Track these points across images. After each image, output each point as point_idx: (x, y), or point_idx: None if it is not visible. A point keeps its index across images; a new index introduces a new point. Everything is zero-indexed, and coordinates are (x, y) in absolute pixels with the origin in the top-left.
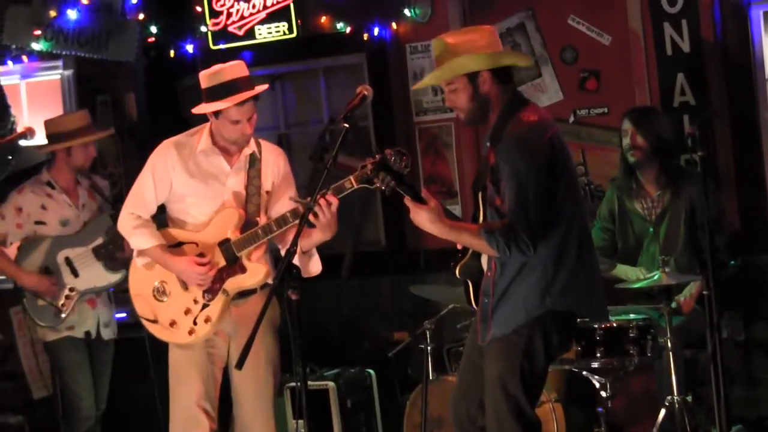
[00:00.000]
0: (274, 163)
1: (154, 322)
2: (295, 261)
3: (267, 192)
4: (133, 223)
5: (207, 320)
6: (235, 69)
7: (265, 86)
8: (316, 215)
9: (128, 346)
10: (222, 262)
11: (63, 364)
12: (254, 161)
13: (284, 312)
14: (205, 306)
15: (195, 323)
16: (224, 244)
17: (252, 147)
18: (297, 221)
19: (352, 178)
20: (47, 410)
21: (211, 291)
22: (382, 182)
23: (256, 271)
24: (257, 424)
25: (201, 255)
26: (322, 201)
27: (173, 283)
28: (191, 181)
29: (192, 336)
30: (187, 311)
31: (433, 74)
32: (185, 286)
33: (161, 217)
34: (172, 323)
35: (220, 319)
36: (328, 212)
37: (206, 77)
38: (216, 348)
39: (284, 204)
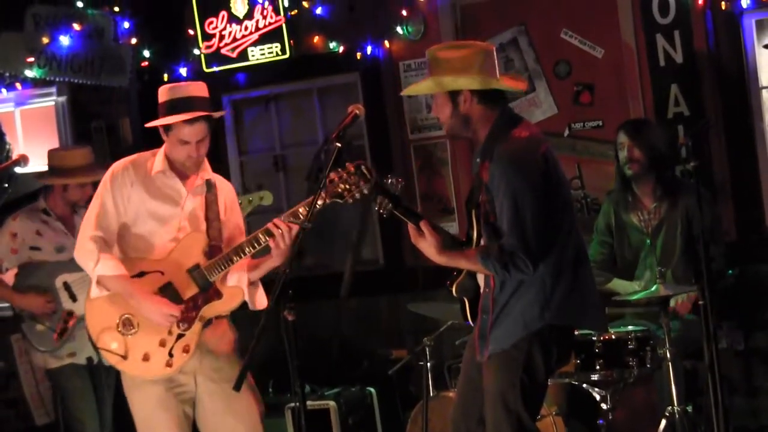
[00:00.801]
0: (227, 192)
1: (124, 358)
2: (246, 298)
3: (224, 217)
4: (98, 246)
5: (186, 350)
6: (193, 87)
7: (223, 112)
8: (276, 243)
9: None
10: (194, 290)
11: (66, 392)
12: (210, 186)
13: (282, 332)
14: (180, 336)
15: (171, 355)
16: (195, 271)
17: (209, 173)
18: (268, 239)
19: (323, 193)
20: None
21: (187, 320)
22: (380, 205)
23: (233, 296)
24: None
25: (169, 284)
26: (283, 226)
27: (141, 314)
28: (151, 202)
29: (170, 368)
30: (162, 343)
31: (416, 86)
32: None
33: None
34: (146, 357)
35: (199, 347)
36: (288, 238)
37: (164, 92)
38: (182, 386)
39: (235, 232)
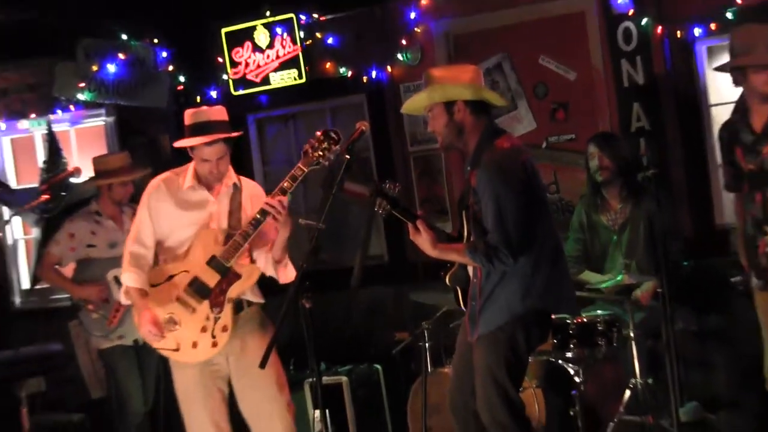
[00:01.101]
0: (253, 190)
1: (176, 350)
2: (272, 273)
3: (248, 212)
4: (129, 260)
5: (224, 329)
6: (213, 112)
7: (240, 132)
8: (275, 217)
9: None
10: (217, 277)
11: (115, 369)
12: (236, 187)
13: (301, 318)
14: (217, 319)
15: (214, 336)
16: (212, 261)
17: (233, 179)
18: (265, 218)
19: (300, 164)
20: (103, 409)
21: (219, 304)
22: (379, 207)
23: (251, 272)
24: (273, 413)
25: (196, 279)
26: (274, 202)
27: (179, 311)
28: (179, 212)
29: (216, 347)
30: (204, 329)
31: (415, 97)
32: (191, 309)
33: None
34: (194, 344)
35: (235, 324)
36: (282, 209)
37: (189, 115)
38: (216, 365)
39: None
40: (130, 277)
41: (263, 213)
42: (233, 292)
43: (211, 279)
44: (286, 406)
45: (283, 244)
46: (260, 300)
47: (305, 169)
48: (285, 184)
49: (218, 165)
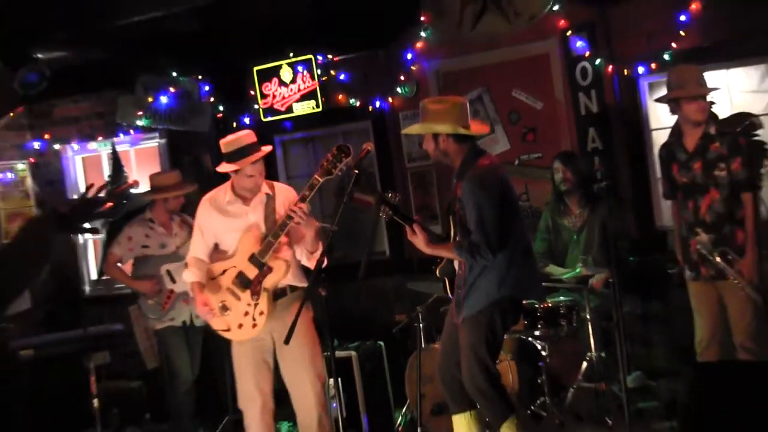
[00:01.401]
0: (286, 193)
1: (227, 330)
2: (306, 263)
3: (281, 214)
4: (190, 263)
5: (261, 313)
6: (247, 137)
7: (270, 148)
8: (298, 222)
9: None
10: (255, 271)
11: (167, 346)
12: (269, 196)
13: (318, 304)
14: (256, 305)
15: (254, 319)
16: (252, 258)
17: (266, 189)
18: (290, 221)
19: (316, 175)
20: (157, 378)
21: (256, 293)
22: (383, 212)
23: (279, 267)
24: (306, 380)
25: (240, 273)
26: (296, 209)
27: (228, 299)
28: (224, 220)
29: (256, 328)
30: (246, 313)
31: (411, 128)
32: (237, 297)
33: None
34: (240, 326)
35: (270, 310)
36: (303, 215)
37: (225, 144)
38: (262, 341)
39: None
40: (189, 276)
41: (289, 217)
42: (267, 283)
43: (251, 273)
44: (317, 375)
45: (312, 239)
46: (303, 284)
47: (320, 179)
48: (305, 192)
49: (260, 177)
